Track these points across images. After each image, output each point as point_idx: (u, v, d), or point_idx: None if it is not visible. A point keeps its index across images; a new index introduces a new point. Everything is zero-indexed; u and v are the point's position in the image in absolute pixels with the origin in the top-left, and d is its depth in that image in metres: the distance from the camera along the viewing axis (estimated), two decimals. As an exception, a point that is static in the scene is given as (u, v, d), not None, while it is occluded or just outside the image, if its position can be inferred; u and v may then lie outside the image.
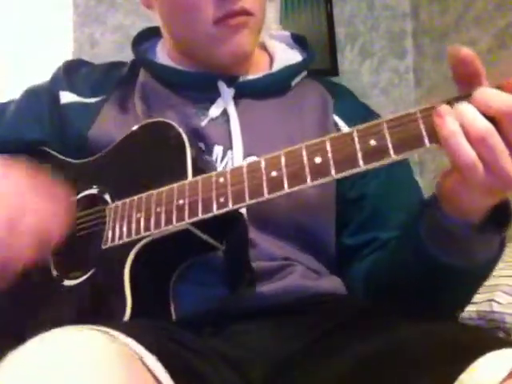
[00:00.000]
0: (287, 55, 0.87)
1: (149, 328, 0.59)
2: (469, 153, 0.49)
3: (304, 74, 0.86)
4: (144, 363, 0.50)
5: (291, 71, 0.84)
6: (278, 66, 0.85)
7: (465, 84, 0.52)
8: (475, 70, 0.51)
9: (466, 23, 1.87)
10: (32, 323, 0.71)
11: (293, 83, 0.84)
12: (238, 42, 0.76)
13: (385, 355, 0.53)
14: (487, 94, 0.49)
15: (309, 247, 0.76)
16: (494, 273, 1.09)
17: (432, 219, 0.60)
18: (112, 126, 0.80)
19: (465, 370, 0.45)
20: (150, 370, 0.49)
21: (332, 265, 0.79)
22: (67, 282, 0.72)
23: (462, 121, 0.49)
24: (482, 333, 0.64)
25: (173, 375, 0.50)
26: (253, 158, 0.74)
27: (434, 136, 0.51)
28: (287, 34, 0.91)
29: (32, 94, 0.89)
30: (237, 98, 0.80)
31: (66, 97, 0.85)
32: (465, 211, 0.57)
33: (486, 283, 1.07)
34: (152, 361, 0.50)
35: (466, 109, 0.49)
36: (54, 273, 0.74)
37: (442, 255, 0.60)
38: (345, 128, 0.80)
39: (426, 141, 0.52)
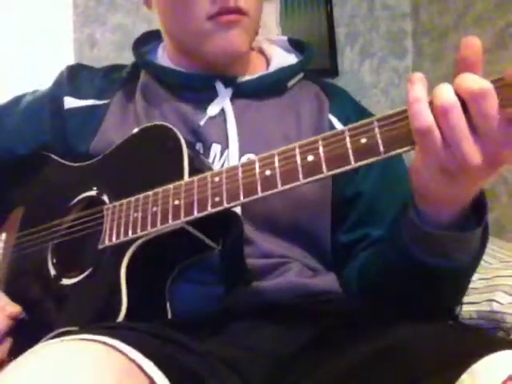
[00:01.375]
0: (284, 58, 0.88)
1: (146, 331, 0.59)
2: (425, 118, 0.50)
3: (300, 75, 0.88)
4: (143, 370, 0.50)
5: (287, 72, 0.86)
6: (274, 67, 0.86)
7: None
8: (476, 60, 0.50)
9: (466, 23, 1.87)
10: (31, 321, 0.73)
11: (289, 84, 0.86)
12: (229, 39, 0.77)
13: (384, 355, 0.53)
14: (466, 76, 0.49)
15: (305, 244, 0.78)
16: (494, 273, 1.10)
17: (408, 218, 0.60)
18: (114, 131, 0.82)
19: (466, 370, 0.45)
20: (148, 377, 0.50)
21: (328, 261, 0.80)
22: (65, 281, 0.73)
23: (434, 93, 0.50)
24: (482, 333, 0.64)
25: (171, 380, 0.51)
26: (249, 156, 0.75)
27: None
28: (284, 38, 0.93)
29: (34, 102, 0.91)
30: (234, 98, 0.82)
31: (70, 102, 0.87)
32: (434, 202, 0.57)
33: (486, 283, 1.07)
34: (151, 368, 0.51)
35: (443, 85, 0.50)
36: (52, 272, 0.76)
37: (424, 256, 0.60)
38: (340, 127, 0.81)
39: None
